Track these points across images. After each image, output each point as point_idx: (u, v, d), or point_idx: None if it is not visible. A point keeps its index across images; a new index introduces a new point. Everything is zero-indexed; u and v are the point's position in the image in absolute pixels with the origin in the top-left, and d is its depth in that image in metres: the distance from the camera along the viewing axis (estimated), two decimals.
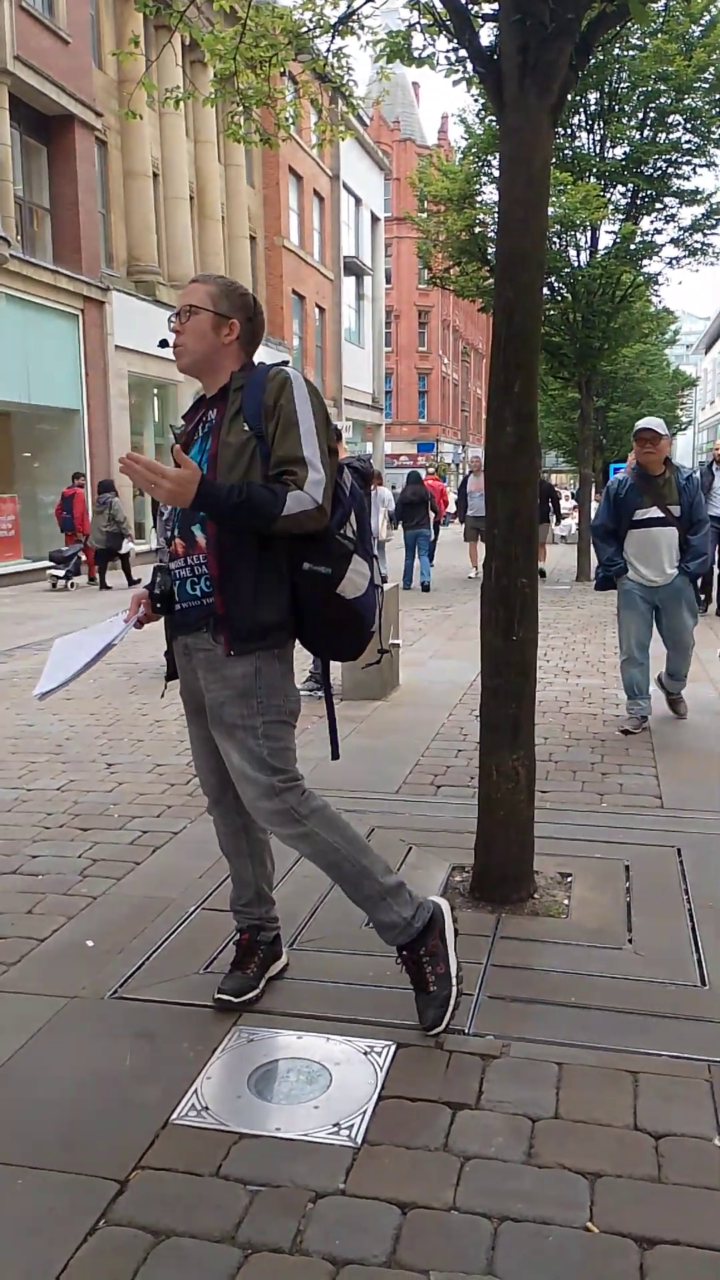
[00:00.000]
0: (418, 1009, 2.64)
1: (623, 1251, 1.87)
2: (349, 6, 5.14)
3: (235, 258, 24.89)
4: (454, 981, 2.67)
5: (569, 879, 3.61)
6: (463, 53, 3.89)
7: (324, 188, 32.10)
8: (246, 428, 2.47)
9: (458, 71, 4.39)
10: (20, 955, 3.11)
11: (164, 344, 2.65)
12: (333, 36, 5.42)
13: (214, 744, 2.71)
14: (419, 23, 4.21)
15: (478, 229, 15.80)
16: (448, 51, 4.13)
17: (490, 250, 15.64)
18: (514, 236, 3.25)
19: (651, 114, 14.18)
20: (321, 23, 5.28)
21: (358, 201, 35.83)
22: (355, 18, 5.26)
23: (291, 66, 5.93)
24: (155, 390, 21.50)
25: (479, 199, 15.69)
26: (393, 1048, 2.55)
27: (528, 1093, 2.35)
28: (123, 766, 5.29)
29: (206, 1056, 2.53)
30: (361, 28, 5.28)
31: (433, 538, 14.96)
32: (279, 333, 27.53)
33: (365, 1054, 2.53)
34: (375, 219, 38.37)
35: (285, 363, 2.65)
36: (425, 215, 16.72)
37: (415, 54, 4.18)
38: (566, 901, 3.42)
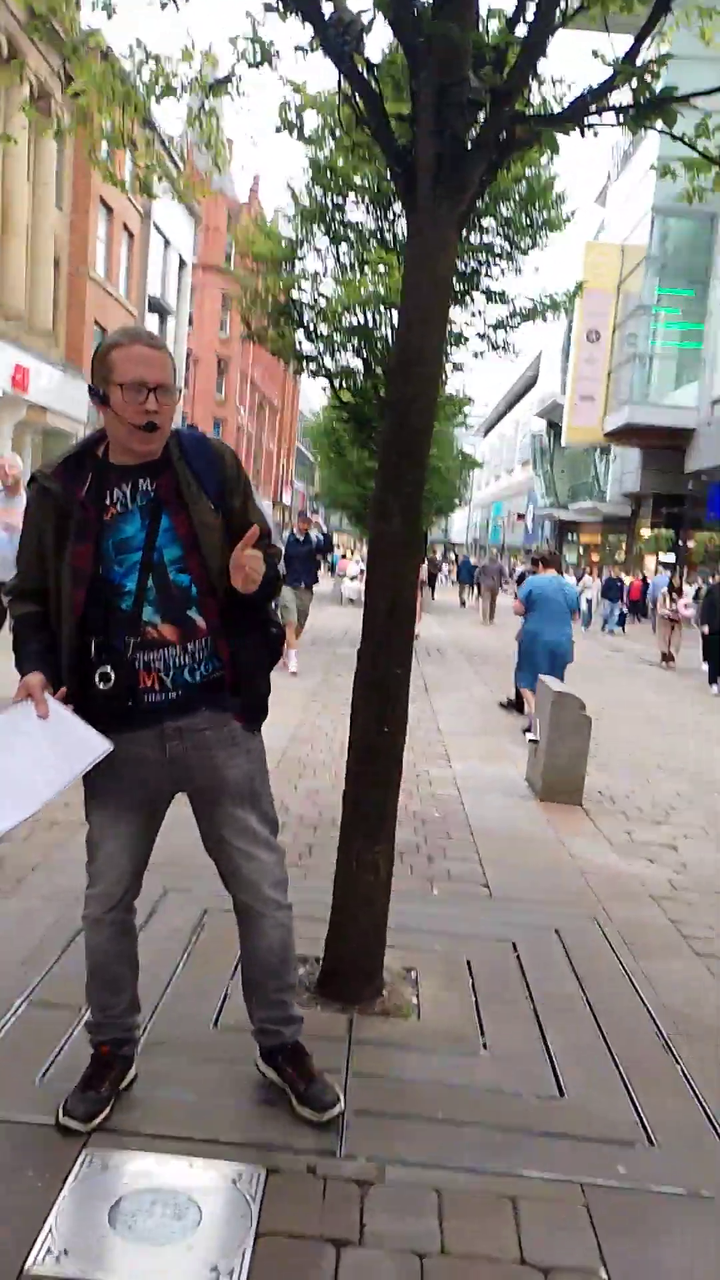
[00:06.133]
0: (305, 1100, 2.59)
1: None
2: (232, 70, 5.09)
3: (37, 281, 24.03)
4: None
5: (413, 974, 3.56)
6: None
7: (134, 224, 31.69)
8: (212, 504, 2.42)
9: (357, 155, 4.43)
10: None
11: (152, 428, 2.34)
12: (206, 95, 5.36)
13: (147, 839, 2.58)
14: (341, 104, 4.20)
15: (295, 295, 16.05)
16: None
17: (306, 317, 15.93)
18: (415, 335, 3.28)
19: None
20: (200, 79, 5.20)
21: (167, 243, 35.63)
22: (233, 80, 5.22)
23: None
24: None
25: (299, 264, 15.97)
26: (262, 1174, 2.38)
27: (410, 1225, 2.26)
28: None
29: (57, 1187, 2.27)
30: (240, 93, 5.24)
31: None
32: (78, 361, 26.73)
33: (234, 1182, 2.35)
34: (183, 263, 38.28)
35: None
36: (245, 272, 16.83)
37: (306, 135, 4.17)
38: (415, 1000, 3.37)
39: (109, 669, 2.38)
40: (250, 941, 2.66)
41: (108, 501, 2.40)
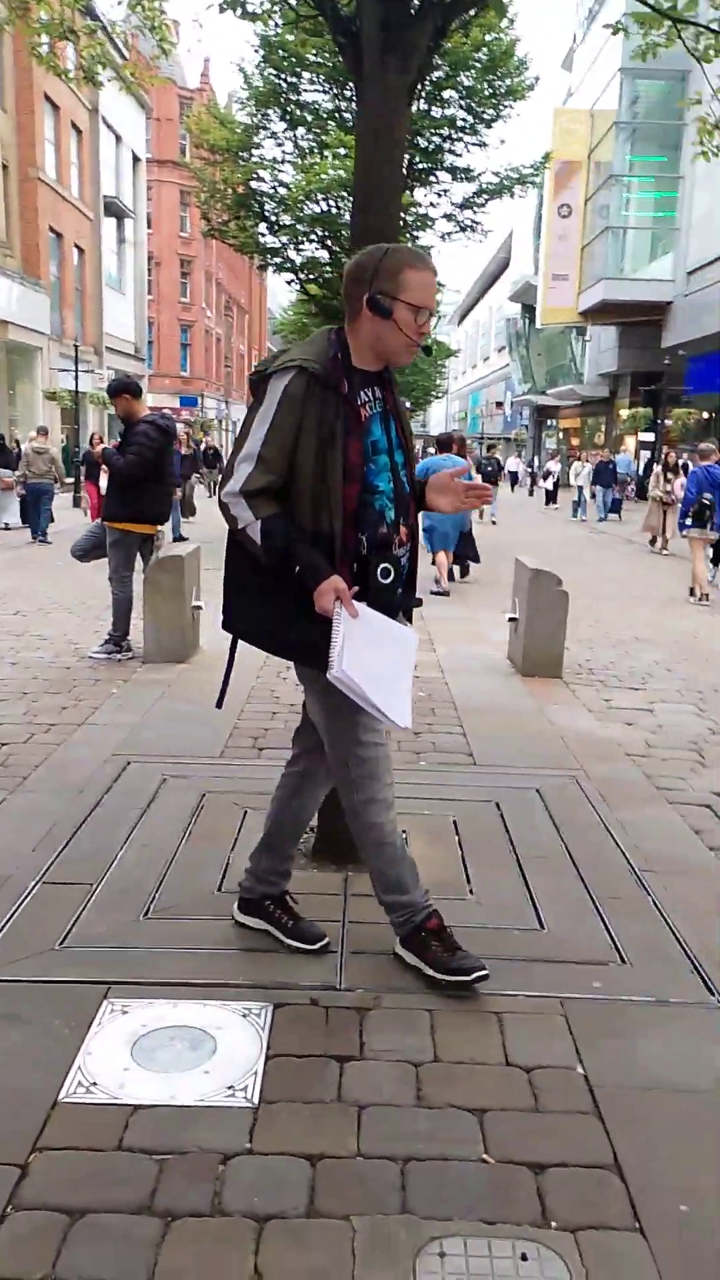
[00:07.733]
0: (294, 934, 2.91)
1: (519, 1178, 2.04)
2: None
3: None
4: None
5: (404, 835, 3.76)
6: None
7: (83, 121, 30.43)
8: None
9: (303, 28, 4.34)
10: None
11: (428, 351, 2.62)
12: None
13: None
14: None
15: (254, 185, 15.61)
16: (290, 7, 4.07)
17: (267, 208, 15.54)
18: (370, 212, 3.30)
19: (429, 87, 14.50)
20: None
21: (118, 139, 34.26)
22: None
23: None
24: None
25: (256, 152, 15.51)
26: (270, 1008, 2.61)
27: (406, 1040, 2.49)
28: None
29: (83, 1032, 2.49)
30: None
31: None
32: (35, 272, 26.03)
33: (244, 1016, 2.58)
34: (136, 159, 36.89)
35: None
36: (201, 164, 16.32)
37: (249, 10, 4.10)
38: None
39: (387, 565, 2.50)
40: (299, 801, 2.95)
41: (359, 401, 2.46)
